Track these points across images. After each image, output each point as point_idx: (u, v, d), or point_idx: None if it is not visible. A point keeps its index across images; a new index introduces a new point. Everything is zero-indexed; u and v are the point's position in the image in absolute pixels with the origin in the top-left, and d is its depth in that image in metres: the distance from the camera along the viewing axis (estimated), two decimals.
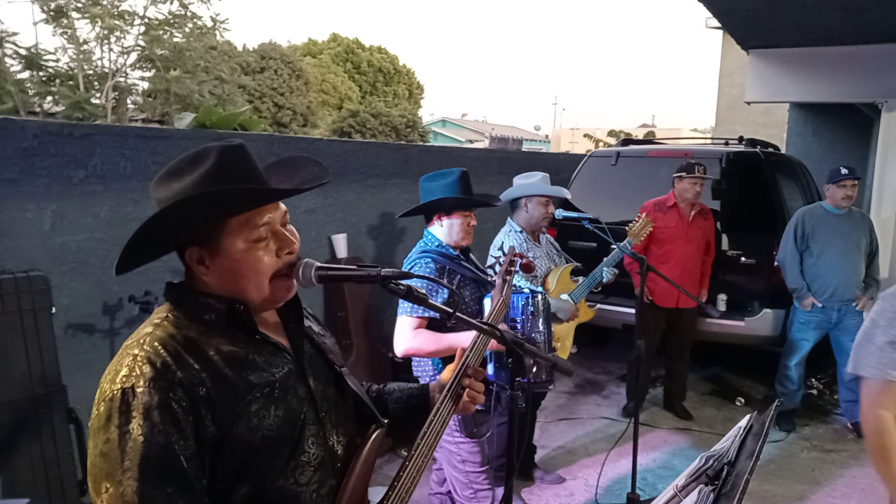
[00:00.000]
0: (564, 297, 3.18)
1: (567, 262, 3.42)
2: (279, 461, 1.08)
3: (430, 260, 2.42)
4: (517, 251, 3.02)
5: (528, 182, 3.26)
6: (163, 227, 1.04)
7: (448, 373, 1.43)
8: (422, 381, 2.52)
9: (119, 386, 0.98)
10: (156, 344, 1.02)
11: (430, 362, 2.49)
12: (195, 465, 0.98)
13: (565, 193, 3.39)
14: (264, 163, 1.20)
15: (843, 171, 4.18)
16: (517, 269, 2.17)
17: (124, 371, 0.99)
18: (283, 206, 1.15)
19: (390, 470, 1.07)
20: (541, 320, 2.43)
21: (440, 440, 1.30)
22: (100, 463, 0.96)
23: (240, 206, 1.08)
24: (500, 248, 2.17)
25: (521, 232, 3.22)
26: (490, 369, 2.36)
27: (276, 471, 1.07)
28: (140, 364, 0.99)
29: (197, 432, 0.99)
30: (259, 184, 1.12)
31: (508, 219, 3.30)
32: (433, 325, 2.37)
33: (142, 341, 1.03)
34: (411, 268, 2.42)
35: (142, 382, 0.97)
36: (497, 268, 2.14)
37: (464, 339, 2.17)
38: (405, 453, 1.19)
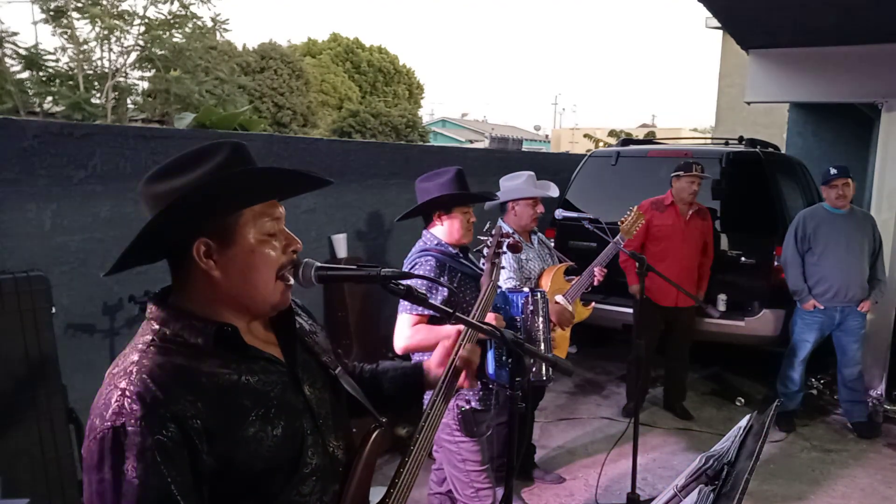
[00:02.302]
0: (560, 298, 3.17)
1: (560, 262, 3.42)
2: (281, 478, 1.07)
3: (430, 258, 2.42)
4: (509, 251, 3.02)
5: (513, 184, 3.25)
6: (194, 207, 1.01)
7: (437, 357, 1.43)
8: None
9: (109, 424, 0.94)
10: (144, 376, 0.97)
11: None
12: (192, 500, 0.95)
13: (552, 192, 3.37)
14: (264, 163, 1.20)
15: (833, 171, 4.21)
16: (504, 249, 2.17)
17: (114, 407, 0.95)
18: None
19: (390, 470, 1.08)
20: (540, 319, 2.43)
21: (436, 436, 1.30)
22: (97, 500, 0.94)
23: (280, 189, 1.09)
24: (487, 231, 2.15)
25: (512, 233, 3.22)
26: (490, 368, 2.36)
27: (279, 487, 1.06)
28: (129, 400, 0.95)
29: (194, 465, 0.96)
30: None
31: (500, 220, 3.30)
32: (434, 322, 2.37)
33: (129, 371, 0.99)
34: (412, 267, 2.42)
35: (133, 421, 0.93)
36: (485, 251, 2.13)
37: (459, 326, 2.17)
38: (402, 432, 1.20)
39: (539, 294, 2.45)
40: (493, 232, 2.12)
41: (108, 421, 0.94)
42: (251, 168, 1.06)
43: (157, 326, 1.05)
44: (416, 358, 2.54)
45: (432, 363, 1.43)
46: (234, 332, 1.06)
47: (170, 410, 0.95)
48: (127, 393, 0.96)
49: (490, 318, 2.17)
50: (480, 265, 2.66)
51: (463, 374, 1.38)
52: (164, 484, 0.92)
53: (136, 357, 1.01)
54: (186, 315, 1.06)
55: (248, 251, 1.06)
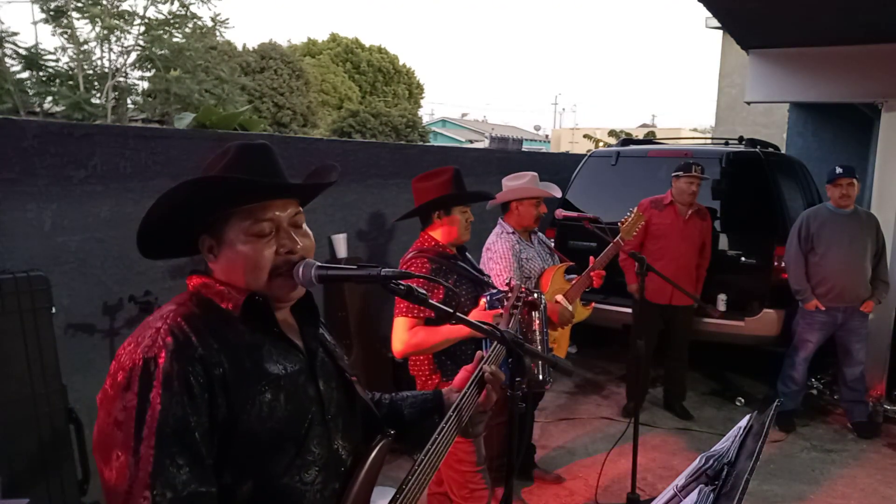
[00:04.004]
0: (560, 298, 3.17)
1: (560, 262, 3.41)
2: (284, 457, 1.08)
3: (425, 260, 2.43)
4: (510, 252, 3.02)
5: (518, 184, 3.25)
6: (169, 208, 1.08)
7: (458, 381, 1.42)
8: (419, 381, 2.53)
9: (141, 355, 0.99)
10: (179, 319, 1.04)
11: (427, 362, 2.49)
12: (207, 441, 0.99)
13: (556, 191, 3.37)
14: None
15: (838, 170, 4.22)
16: (521, 304, 2.18)
17: (147, 342, 1.01)
18: (295, 206, 1.17)
19: (389, 470, 1.07)
20: (537, 321, 2.43)
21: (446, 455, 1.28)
22: (112, 431, 0.96)
23: (235, 196, 1.10)
24: (508, 284, 2.18)
25: (512, 233, 3.21)
26: None
27: (281, 467, 1.08)
28: (164, 336, 1.01)
29: (210, 410, 1.00)
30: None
31: (500, 220, 3.29)
32: (430, 324, 2.37)
33: (166, 316, 1.06)
34: (406, 268, 2.42)
35: (164, 353, 0.99)
36: (504, 301, 2.15)
37: (458, 327, 2.16)
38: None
39: (536, 295, 2.46)
40: (513, 287, 2.14)
41: (139, 353, 0.99)
42: (213, 176, 1.11)
43: (193, 292, 1.14)
44: (412, 362, 2.54)
45: (452, 387, 1.43)
46: (264, 301, 1.11)
47: (199, 353, 1.01)
48: (162, 331, 1.02)
49: (487, 315, 2.17)
50: (479, 268, 2.66)
51: (485, 392, 1.36)
52: (184, 414, 0.97)
53: (173, 306, 1.09)
54: (221, 283, 1.13)
55: (235, 250, 1.11)
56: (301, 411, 1.11)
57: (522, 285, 2.23)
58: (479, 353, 1.44)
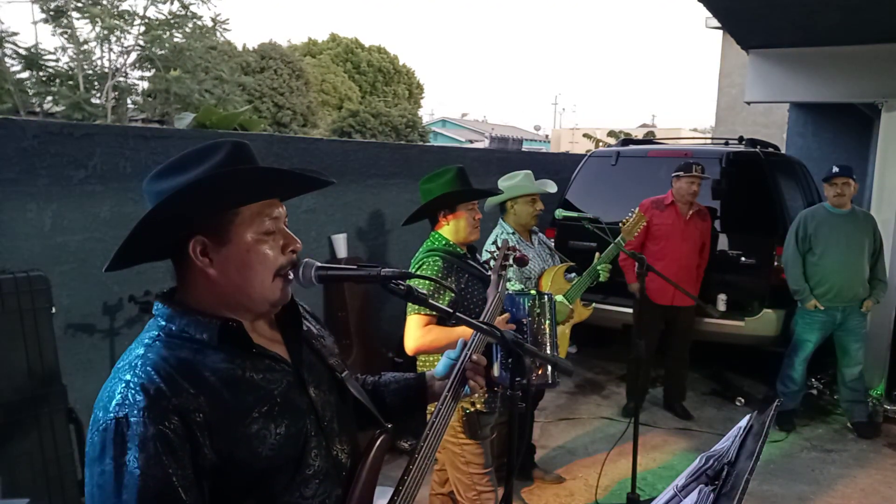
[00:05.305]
0: (559, 298, 3.17)
1: (560, 262, 3.41)
2: (283, 478, 1.06)
3: (438, 258, 2.41)
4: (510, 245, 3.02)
5: (511, 183, 3.26)
6: (187, 204, 1.02)
7: (442, 368, 1.42)
8: None
9: (112, 415, 0.94)
10: (148, 369, 0.98)
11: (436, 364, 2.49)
12: (193, 494, 0.96)
13: (551, 187, 3.37)
14: (264, 163, 1.20)
15: (834, 169, 4.25)
16: (511, 262, 2.17)
17: (117, 399, 0.96)
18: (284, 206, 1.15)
19: (389, 470, 1.07)
20: (547, 322, 2.42)
21: (442, 440, 1.29)
22: (98, 494, 0.94)
23: (278, 188, 1.08)
24: (494, 243, 2.17)
25: (512, 233, 3.22)
26: (496, 370, 2.35)
27: (281, 487, 1.06)
28: (133, 391, 0.96)
29: (195, 460, 0.96)
30: None
31: (500, 220, 3.30)
32: (442, 320, 2.36)
33: (134, 365, 1.00)
34: (419, 267, 2.41)
35: (135, 412, 0.94)
36: (492, 263, 2.14)
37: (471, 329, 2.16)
38: (405, 445, 1.19)
39: (547, 297, 2.45)
40: (500, 245, 2.13)
41: (111, 412, 0.95)
42: (242, 168, 1.05)
43: (163, 322, 1.06)
44: (420, 364, 2.54)
45: (436, 374, 1.42)
46: (238, 327, 1.07)
47: (173, 403, 0.96)
48: (131, 385, 0.97)
49: (500, 320, 2.17)
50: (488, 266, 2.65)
51: (471, 379, 1.37)
52: (165, 475, 0.93)
53: (141, 351, 1.02)
54: (192, 311, 1.07)
55: (243, 250, 1.06)
56: (296, 429, 1.08)
57: (508, 241, 2.23)
58: (460, 340, 1.43)
